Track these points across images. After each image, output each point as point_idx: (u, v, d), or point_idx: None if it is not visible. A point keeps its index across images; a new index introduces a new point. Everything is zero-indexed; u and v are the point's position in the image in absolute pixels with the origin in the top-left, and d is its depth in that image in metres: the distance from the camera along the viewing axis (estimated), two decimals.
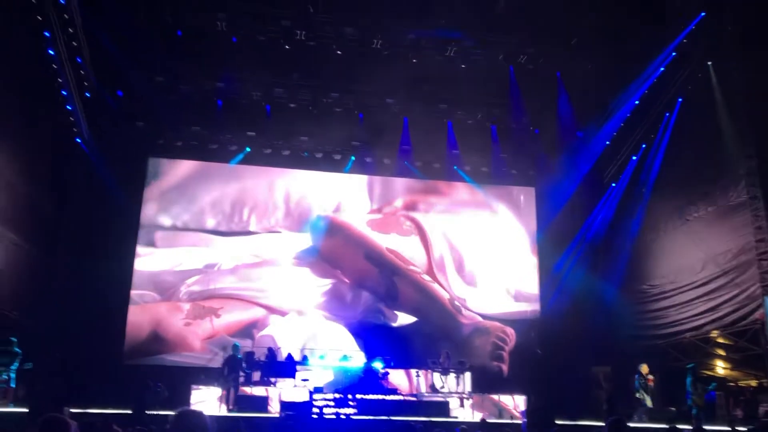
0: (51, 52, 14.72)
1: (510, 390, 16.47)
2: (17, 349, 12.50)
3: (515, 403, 15.83)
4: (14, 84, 13.81)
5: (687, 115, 16.38)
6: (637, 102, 17.31)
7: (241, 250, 18.55)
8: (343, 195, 19.64)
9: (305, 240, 18.99)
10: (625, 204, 18.60)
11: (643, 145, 17.99)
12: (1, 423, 8.40)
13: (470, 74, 17.39)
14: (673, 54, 15.97)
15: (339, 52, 16.92)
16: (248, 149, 19.12)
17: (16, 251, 14.66)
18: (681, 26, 15.53)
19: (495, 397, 15.88)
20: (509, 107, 18.38)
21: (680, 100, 16.56)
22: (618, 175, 18.96)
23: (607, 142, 18.64)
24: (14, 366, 12.36)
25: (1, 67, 12.97)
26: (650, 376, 14.72)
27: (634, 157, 18.35)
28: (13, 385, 12.30)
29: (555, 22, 16.40)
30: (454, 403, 15.06)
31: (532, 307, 19.61)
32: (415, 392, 15.74)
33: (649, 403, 14.50)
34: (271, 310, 18.17)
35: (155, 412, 11.54)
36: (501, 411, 15.62)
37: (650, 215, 17.89)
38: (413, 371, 16.28)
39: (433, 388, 15.75)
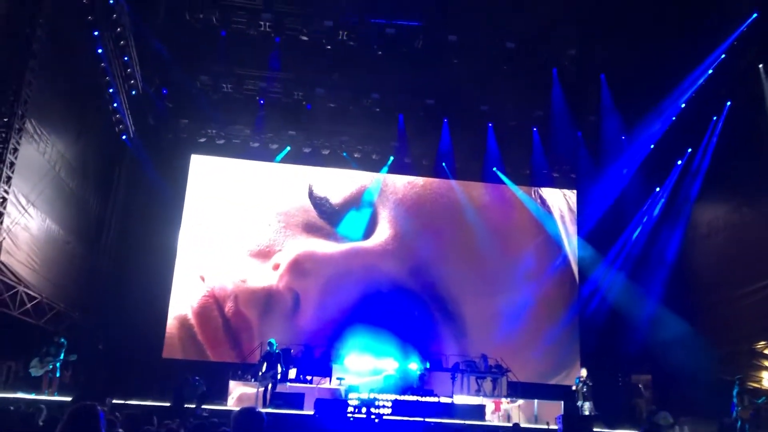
0: (100, 50, 15.09)
1: (547, 396, 16.25)
2: (63, 340, 12.83)
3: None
4: (64, 82, 14.19)
5: (735, 119, 15.95)
6: (683, 105, 16.90)
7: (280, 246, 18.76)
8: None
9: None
10: (670, 209, 18.20)
11: (689, 150, 17.58)
12: (45, 411, 8.63)
13: (512, 76, 17.21)
14: (723, 56, 15.54)
15: (380, 53, 16.93)
16: (289, 148, 19.28)
17: (65, 248, 15.10)
18: (732, 27, 15.09)
19: (532, 402, 15.64)
20: (552, 109, 18.13)
21: (729, 103, 16.13)
22: (663, 179, 18.55)
23: (652, 146, 18.25)
24: (60, 357, 12.69)
25: (52, 66, 13.32)
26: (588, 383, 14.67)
27: (680, 162, 17.94)
28: (58, 374, 12.62)
29: (599, 24, 16.14)
30: (490, 407, 14.92)
31: None
32: (450, 394, 15.64)
33: (587, 410, 14.32)
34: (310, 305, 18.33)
35: (193, 406, 11.71)
36: (537, 417, 15.42)
37: (695, 221, 17.49)
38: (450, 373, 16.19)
39: (469, 391, 15.63)
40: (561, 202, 20.41)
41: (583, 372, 15.06)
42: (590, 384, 14.80)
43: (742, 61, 15.25)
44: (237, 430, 3.63)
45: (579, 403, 14.68)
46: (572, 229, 20.19)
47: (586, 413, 14.28)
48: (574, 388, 15.06)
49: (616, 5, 15.62)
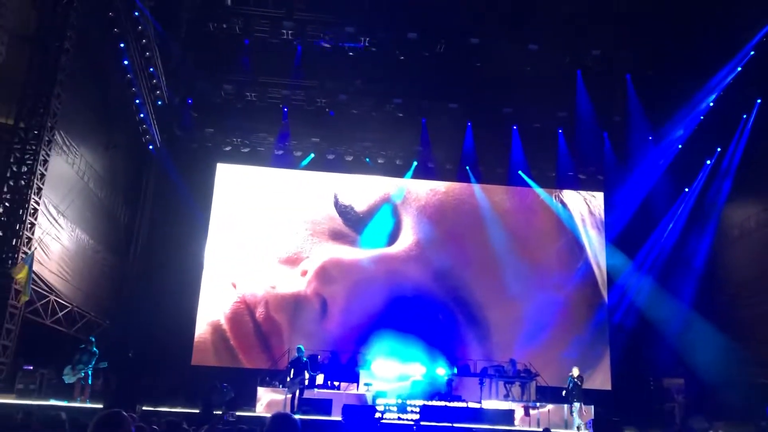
0: (126, 62, 15.31)
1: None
2: (95, 349, 12.99)
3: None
4: (92, 94, 14.45)
5: (766, 117, 15.64)
6: (711, 104, 16.62)
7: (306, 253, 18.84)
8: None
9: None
10: (699, 211, 17.89)
11: (719, 149, 17.27)
12: (76, 418, 8.73)
13: (536, 78, 17.09)
14: (752, 53, 15.26)
15: (402, 58, 16.94)
16: (312, 155, 19.37)
17: (95, 257, 15.34)
18: (761, 23, 14.80)
19: (562, 407, 15.43)
20: (577, 110, 17.95)
21: (759, 101, 15.83)
22: (691, 180, 18.24)
23: (680, 146, 17.96)
24: (91, 364, 12.85)
25: (80, 78, 13.55)
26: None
27: (709, 162, 17.64)
28: (90, 382, 12.78)
29: (624, 24, 15.97)
30: (519, 412, 14.76)
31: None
32: (479, 400, 15.51)
33: (576, 410, 14.14)
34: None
35: (221, 412, 11.76)
36: (566, 422, 15.21)
37: (726, 222, 17.17)
38: (478, 378, 16.05)
39: (498, 396, 15.49)
40: (582, 205, 20.19)
41: (575, 371, 14.64)
42: (581, 384, 14.50)
43: None
44: None
45: (569, 404, 14.40)
46: (593, 232, 19.95)
47: (575, 415, 14.06)
48: (564, 392, 14.65)
49: (640, 5, 15.43)
